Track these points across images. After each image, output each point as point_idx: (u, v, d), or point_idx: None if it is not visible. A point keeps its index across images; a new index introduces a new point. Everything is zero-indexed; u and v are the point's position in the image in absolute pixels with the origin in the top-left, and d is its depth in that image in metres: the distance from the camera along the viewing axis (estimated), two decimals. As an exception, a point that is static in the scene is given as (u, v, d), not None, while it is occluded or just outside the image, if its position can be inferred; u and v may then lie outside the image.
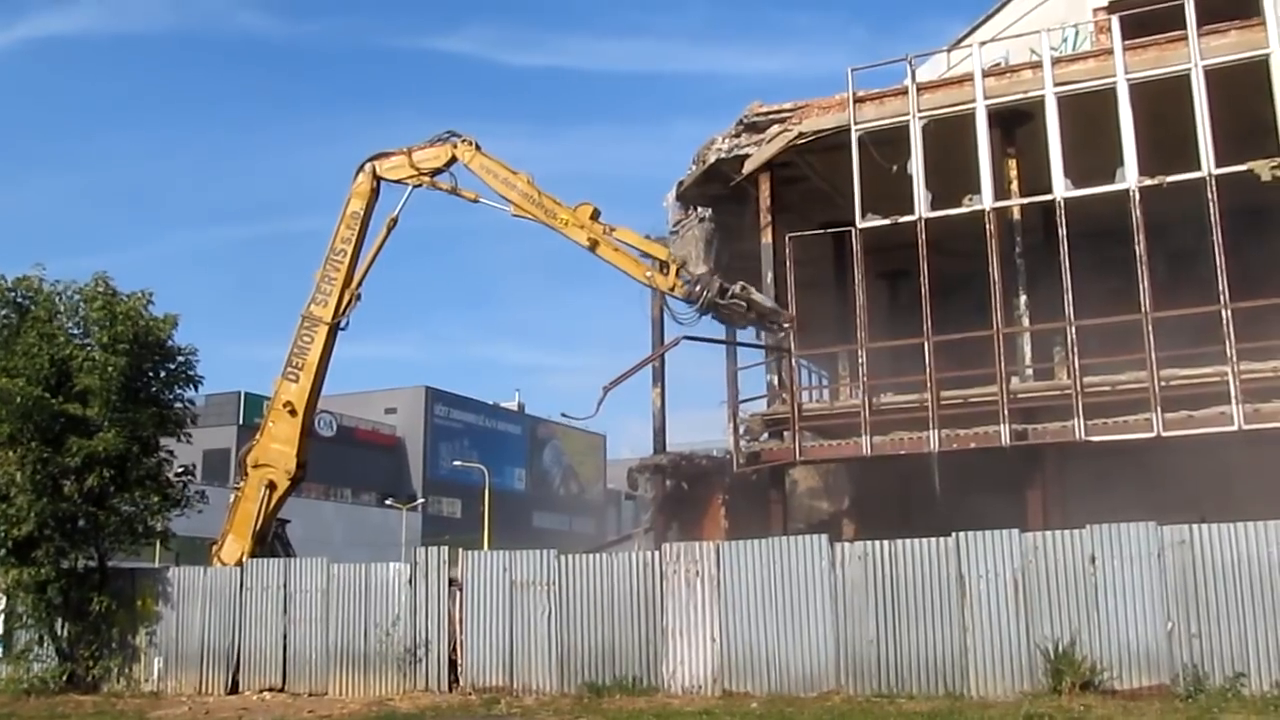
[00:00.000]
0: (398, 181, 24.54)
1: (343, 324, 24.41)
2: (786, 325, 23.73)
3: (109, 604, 22.12)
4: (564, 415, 30.25)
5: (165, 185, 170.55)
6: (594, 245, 22.72)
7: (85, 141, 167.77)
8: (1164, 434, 20.86)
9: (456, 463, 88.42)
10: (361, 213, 24.46)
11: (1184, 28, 21.80)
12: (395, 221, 24.70)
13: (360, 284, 24.45)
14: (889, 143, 23.80)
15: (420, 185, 24.33)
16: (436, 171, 24.17)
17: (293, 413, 24.01)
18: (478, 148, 23.75)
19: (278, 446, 23.99)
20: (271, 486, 23.74)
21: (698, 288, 22.16)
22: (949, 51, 29.28)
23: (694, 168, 27.05)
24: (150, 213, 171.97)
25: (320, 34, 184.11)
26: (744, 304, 22.38)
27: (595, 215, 22.86)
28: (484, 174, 23.72)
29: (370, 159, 24.59)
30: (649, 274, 22.68)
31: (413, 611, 20.69)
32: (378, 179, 24.55)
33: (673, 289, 22.42)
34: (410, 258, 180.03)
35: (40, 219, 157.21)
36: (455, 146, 23.93)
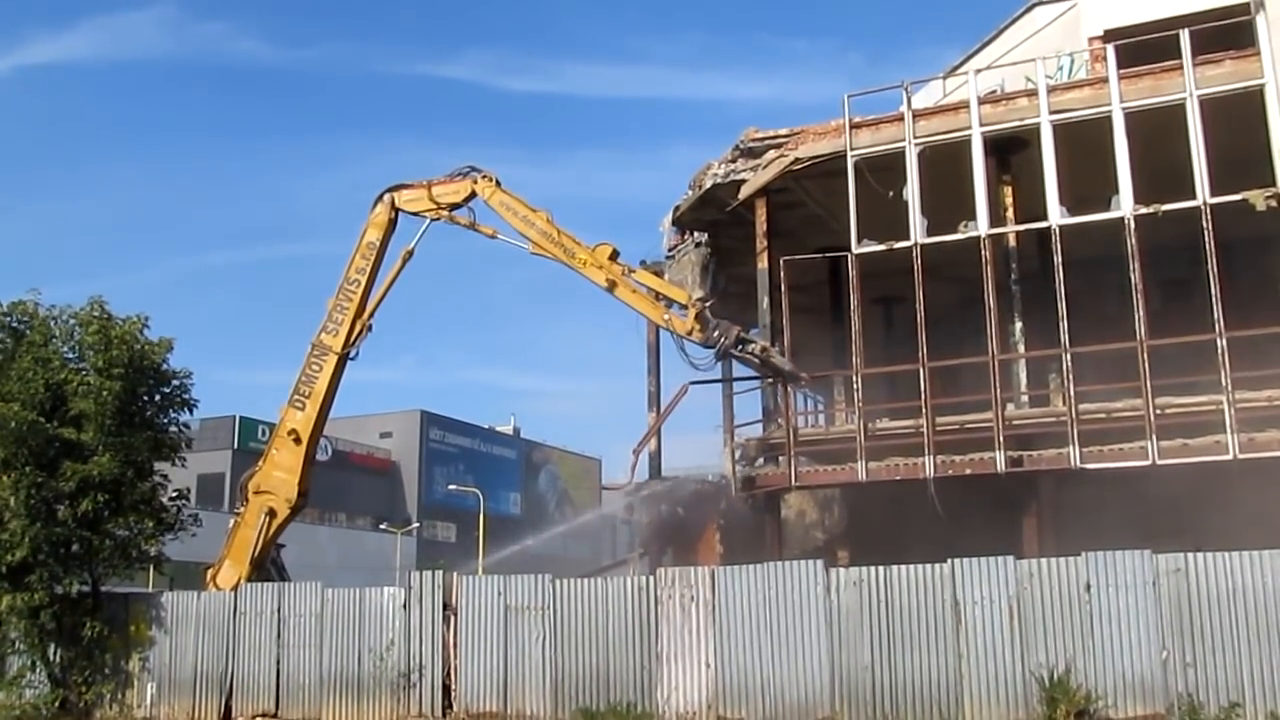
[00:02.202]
0: (415, 214, 24.54)
1: (353, 354, 24.41)
2: (803, 386, 23.84)
3: (102, 629, 22.08)
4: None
5: (162, 211, 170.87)
6: (612, 286, 22.78)
7: (82, 168, 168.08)
8: (1159, 462, 20.85)
9: (451, 487, 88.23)
10: (378, 243, 24.46)
11: (1179, 57, 21.89)
12: (411, 254, 24.70)
13: (373, 314, 24.44)
14: (885, 169, 23.87)
15: (439, 219, 24.34)
16: (455, 206, 24.18)
17: (297, 441, 23.98)
18: (498, 184, 23.76)
19: (280, 474, 23.96)
20: (272, 514, 23.70)
21: (715, 333, 22.23)
22: (945, 79, 29.38)
23: (690, 193, 27.11)
24: (146, 238, 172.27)
25: (318, 61, 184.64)
26: (759, 360, 22.65)
27: (614, 256, 22.94)
28: (503, 210, 23.72)
29: (389, 190, 24.60)
30: (667, 317, 22.74)
31: (407, 636, 20.65)
32: (396, 210, 24.55)
33: (690, 333, 22.45)
34: (406, 281, 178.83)
35: (36, 245, 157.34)
36: (475, 182, 23.95)
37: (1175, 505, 21.23)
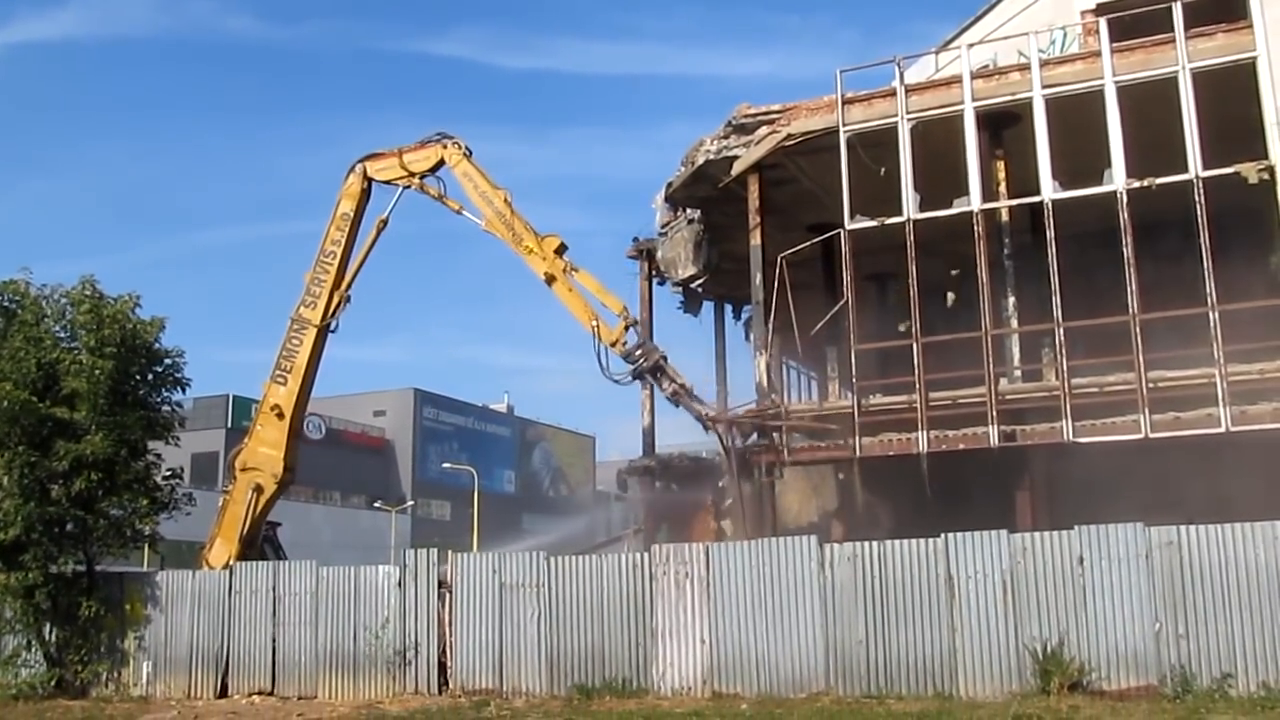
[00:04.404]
0: (387, 183, 24.54)
1: (333, 326, 24.43)
2: (713, 426, 23.97)
3: (97, 608, 22.07)
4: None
5: (155, 189, 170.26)
6: (550, 280, 23.01)
7: (74, 146, 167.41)
8: (1151, 435, 20.87)
9: (445, 465, 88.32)
10: (352, 214, 24.45)
11: (1171, 30, 21.84)
12: (385, 223, 24.70)
13: (350, 286, 24.46)
14: (877, 144, 23.79)
15: (409, 187, 24.33)
16: (425, 173, 24.20)
17: (280, 416, 24.00)
18: (466, 154, 23.74)
19: (265, 450, 23.98)
20: (259, 490, 23.73)
21: (638, 352, 22.56)
22: (937, 53, 29.22)
23: (682, 169, 27.03)
24: (140, 217, 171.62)
25: (311, 38, 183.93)
26: (669, 396, 22.94)
27: (561, 250, 23.10)
28: (464, 181, 23.74)
29: (361, 160, 24.59)
30: (595, 324, 22.86)
31: (402, 614, 20.67)
32: (368, 180, 24.55)
33: (614, 344, 22.58)
34: (399, 260, 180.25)
35: (28, 224, 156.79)
36: (444, 148, 23.94)
37: (1167, 478, 21.31)
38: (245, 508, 23.70)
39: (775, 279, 24.24)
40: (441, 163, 24.06)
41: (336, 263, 24.32)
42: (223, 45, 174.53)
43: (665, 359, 23.04)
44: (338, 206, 24.55)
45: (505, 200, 23.32)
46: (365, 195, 24.66)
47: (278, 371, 24.24)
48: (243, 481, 23.94)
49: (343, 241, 24.41)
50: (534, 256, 23.08)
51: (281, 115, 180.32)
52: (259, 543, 24.51)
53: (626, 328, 22.87)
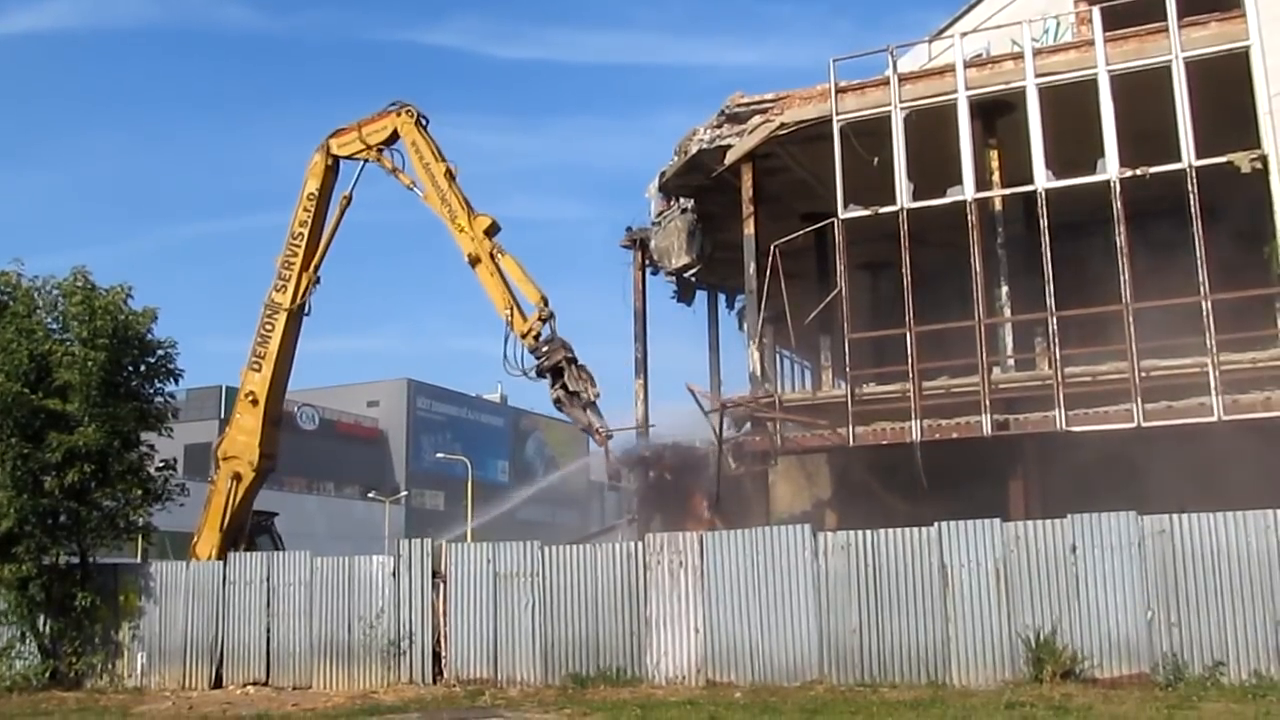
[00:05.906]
0: (350, 158, 24.30)
1: (306, 309, 24.28)
2: (600, 442, 23.65)
3: (91, 600, 21.99)
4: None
5: (148, 180, 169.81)
6: (474, 262, 22.62)
7: (67, 137, 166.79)
8: (1144, 424, 20.94)
9: (439, 455, 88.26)
10: (318, 193, 24.23)
11: (1165, 19, 21.84)
12: (349, 199, 24.49)
13: (318, 266, 24.30)
14: (871, 133, 23.80)
15: (369, 160, 24.08)
16: (383, 145, 23.90)
17: (255, 403, 23.91)
18: (418, 123, 23.42)
19: (244, 438, 23.98)
20: (237, 478, 23.66)
21: (544, 348, 22.13)
22: (930, 42, 29.21)
23: (676, 159, 27.01)
24: (133, 208, 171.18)
25: (303, 28, 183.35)
26: (555, 400, 22.55)
27: (492, 230, 22.69)
28: (411, 151, 23.44)
29: (328, 136, 24.41)
30: (508, 312, 22.47)
31: (396, 604, 20.66)
32: (333, 156, 24.30)
33: (524, 335, 22.27)
34: (392, 250, 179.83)
35: (21, 215, 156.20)
36: (398, 117, 23.68)
37: (1160, 467, 21.33)
38: (226, 497, 23.67)
39: (769, 268, 24.22)
40: (397, 133, 23.80)
41: (305, 244, 24.10)
42: (215, 36, 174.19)
43: (571, 361, 22.33)
44: (304, 186, 24.33)
45: (446, 173, 22.91)
46: (332, 173, 24.39)
47: (253, 358, 24.16)
48: (224, 471, 23.89)
49: (310, 222, 24.17)
50: (464, 235, 22.66)
51: (274, 106, 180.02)
52: (246, 532, 24.44)
53: (542, 320, 22.32)
